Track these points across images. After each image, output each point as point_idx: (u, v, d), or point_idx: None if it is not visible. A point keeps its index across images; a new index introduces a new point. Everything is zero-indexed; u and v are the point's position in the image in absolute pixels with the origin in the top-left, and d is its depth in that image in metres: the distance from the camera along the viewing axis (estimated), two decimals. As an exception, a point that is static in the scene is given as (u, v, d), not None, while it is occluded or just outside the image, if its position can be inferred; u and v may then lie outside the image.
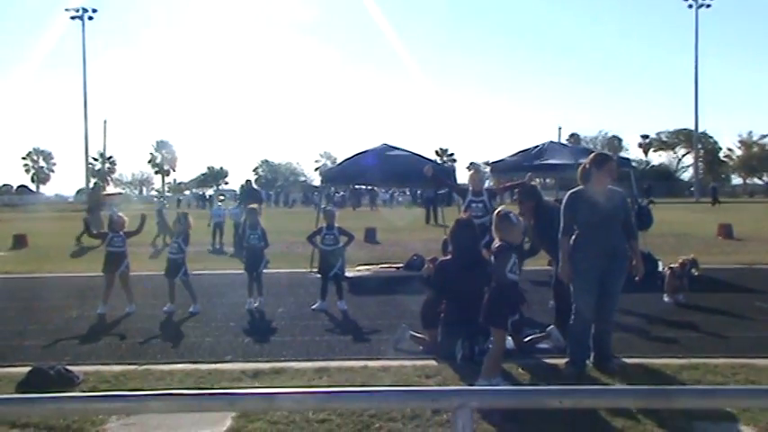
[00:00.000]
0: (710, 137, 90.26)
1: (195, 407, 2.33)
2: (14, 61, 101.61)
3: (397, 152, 14.35)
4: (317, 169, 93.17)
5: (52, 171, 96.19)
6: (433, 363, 6.71)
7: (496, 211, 6.41)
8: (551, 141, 15.01)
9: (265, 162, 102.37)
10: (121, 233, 9.87)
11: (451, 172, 17.85)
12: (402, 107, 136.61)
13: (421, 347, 7.23)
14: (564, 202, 6.61)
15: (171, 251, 9.98)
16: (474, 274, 6.79)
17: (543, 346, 7.17)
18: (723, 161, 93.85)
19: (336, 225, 10.19)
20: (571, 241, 6.42)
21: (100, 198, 23.47)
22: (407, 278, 12.16)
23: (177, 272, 9.80)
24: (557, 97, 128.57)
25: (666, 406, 2.30)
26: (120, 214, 10.28)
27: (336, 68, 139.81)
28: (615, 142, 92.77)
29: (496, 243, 6.17)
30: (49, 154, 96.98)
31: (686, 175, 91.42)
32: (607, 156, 6.84)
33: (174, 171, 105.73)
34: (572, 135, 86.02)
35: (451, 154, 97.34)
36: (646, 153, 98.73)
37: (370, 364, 6.74)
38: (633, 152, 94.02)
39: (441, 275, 7.17)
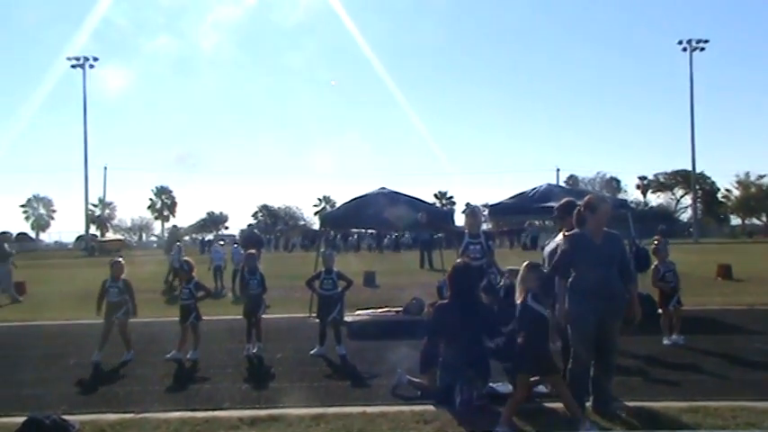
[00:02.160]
0: (708, 177, 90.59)
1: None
2: (14, 107, 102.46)
3: (394, 195, 14.42)
4: (316, 213, 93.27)
5: (52, 218, 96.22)
6: (432, 408, 6.66)
7: (526, 263, 6.44)
8: (549, 183, 15.10)
9: (264, 207, 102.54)
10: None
11: (450, 215, 17.91)
12: (401, 151, 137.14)
13: (419, 392, 7.18)
14: (561, 244, 6.65)
15: (183, 297, 9.97)
16: (472, 319, 6.79)
17: (542, 389, 7.11)
18: (721, 202, 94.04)
19: (335, 269, 10.20)
20: (568, 284, 6.44)
21: (179, 237, 23.91)
22: (406, 322, 12.11)
23: (189, 316, 9.78)
24: (555, 139, 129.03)
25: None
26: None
27: (335, 113, 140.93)
28: (613, 184, 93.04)
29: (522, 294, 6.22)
30: (49, 201, 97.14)
31: (684, 216, 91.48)
32: (601, 199, 6.90)
33: (173, 216, 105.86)
34: (570, 177, 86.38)
35: (450, 197, 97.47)
36: (644, 194, 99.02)
37: (368, 409, 6.69)
38: (631, 193, 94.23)
39: (439, 319, 7.15)
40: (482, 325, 6.94)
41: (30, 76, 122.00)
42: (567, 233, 6.66)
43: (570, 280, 6.44)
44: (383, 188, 14.76)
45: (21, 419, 6.26)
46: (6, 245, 21.01)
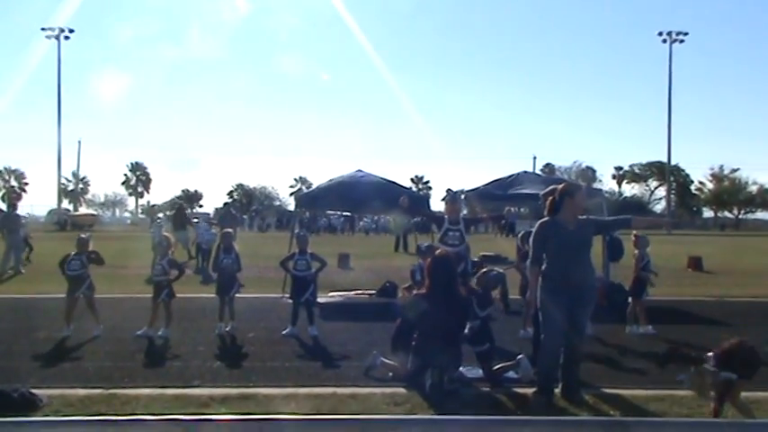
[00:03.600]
0: (683, 170, 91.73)
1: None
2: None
3: (370, 178, 14.41)
4: (292, 194, 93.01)
5: (24, 191, 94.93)
6: (403, 390, 6.70)
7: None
8: (525, 171, 15.19)
9: (240, 186, 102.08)
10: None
11: (426, 200, 17.97)
12: (378, 133, 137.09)
13: (391, 374, 7.22)
14: (534, 231, 6.69)
15: (155, 273, 9.87)
16: (449, 310, 6.82)
17: (512, 375, 7.19)
18: (695, 194, 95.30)
19: (309, 250, 10.18)
20: (540, 271, 6.49)
21: (185, 217, 23.80)
22: (380, 305, 12.16)
23: (161, 293, 9.70)
24: (532, 127, 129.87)
25: (628, 437, 2.33)
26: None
27: (312, 93, 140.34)
28: (589, 173, 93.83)
29: None
30: (21, 173, 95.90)
31: (658, 207, 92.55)
32: (577, 185, 6.96)
33: (147, 193, 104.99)
34: (546, 165, 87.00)
35: (427, 181, 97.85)
36: (619, 184, 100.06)
37: (339, 390, 6.72)
38: (607, 183, 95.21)
39: (416, 309, 7.15)
40: (459, 317, 6.98)
41: (5, 46, 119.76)
42: (540, 221, 6.70)
43: (543, 267, 6.48)
44: (359, 170, 14.74)
45: (-12, 392, 6.21)
46: None
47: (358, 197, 14.07)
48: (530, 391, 6.61)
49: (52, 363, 8.08)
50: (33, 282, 15.86)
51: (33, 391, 6.30)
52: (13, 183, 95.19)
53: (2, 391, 6.07)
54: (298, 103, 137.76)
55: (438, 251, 7.97)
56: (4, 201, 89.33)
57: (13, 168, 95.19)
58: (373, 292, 14.00)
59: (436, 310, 6.84)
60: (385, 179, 14.77)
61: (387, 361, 7.36)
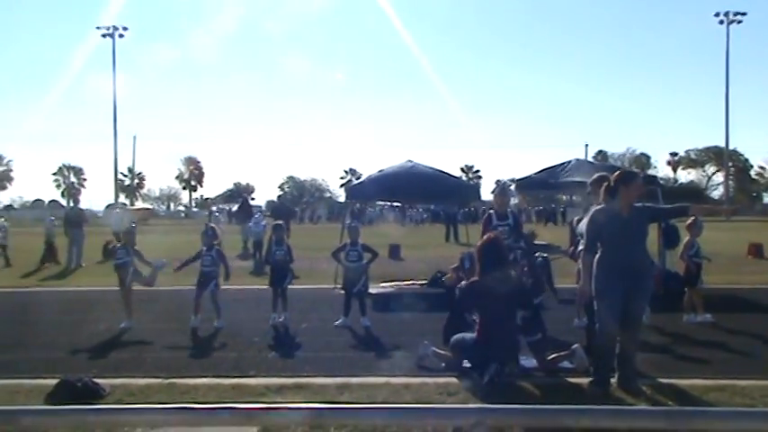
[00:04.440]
0: (741, 154, 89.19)
1: (216, 421, 2.37)
2: (45, 77, 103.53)
3: (420, 169, 14.40)
4: (342, 186, 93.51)
5: (83, 186, 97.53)
6: (455, 380, 6.70)
7: None
8: (578, 159, 14.96)
9: (291, 178, 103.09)
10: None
11: (476, 189, 17.88)
12: (427, 123, 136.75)
13: (443, 364, 7.21)
14: (588, 218, 6.59)
15: (204, 264, 10.06)
16: (503, 294, 6.72)
17: (567, 365, 7.11)
18: (754, 179, 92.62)
19: (361, 242, 10.23)
20: (595, 259, 6.40)
21: (250, 210, 24.49)
22: (431, 295, 12.17)
23: (208, 285, 9.89)
24: (584, 114, 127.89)
25: (688, 428, 2.29)
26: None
27: (361, 85, 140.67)
28: (643, 159, 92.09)
29: None
30: (80, 169, 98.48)
31: (716, 194, 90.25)
32: (633, 173, 6.83)
33: (201, 186, 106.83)
34: (599, 152, 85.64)
35: (477, 171, 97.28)
36: (675, 171, 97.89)
37: (392, 380, 6.74)
38: (662, 170, 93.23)
39: (469, 297, 7.09)
40: (515, 298, 6.89)
41: (62, 45, 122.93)
42: (595, 208, 6.60)
43: (597, 255, 6.39)
44: (409, 161, 14.73)
45: (54, 382, 6.42)
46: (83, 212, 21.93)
47: (408, 188, 14.07)
48: (585, 381, 6.54)
49: (113, 353, 8.32)
50: (93, 275, 16.31)
51: (96, 380, 6.49)
52: (73, 179, 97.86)
53: (67, 381, 6.27)
54: (348, 95, 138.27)
55: (487, 234, 7.85)
56: (64, 197, 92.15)
57: (72, 165, 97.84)
58: (424, 282, 14.01)
59: (490, 294, 6.71)
60: (435, 169, 14.75)
61: (439, 351, 7.35)
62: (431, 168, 14.64)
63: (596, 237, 6.41)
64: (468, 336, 6.93)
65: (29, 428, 4.81)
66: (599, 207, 6.52)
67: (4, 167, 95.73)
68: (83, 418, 2.43)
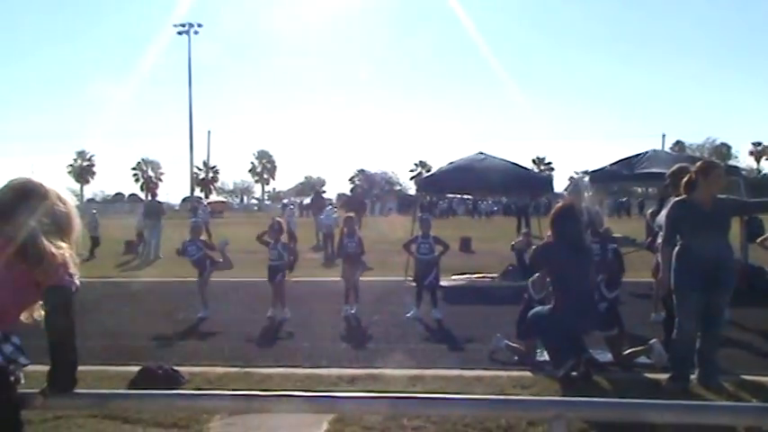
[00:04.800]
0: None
1: (299, 408, 2.41)
2: (123, 74, 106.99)
3: (492, 161, 14.29)
4: (412, 178, 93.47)
5: (160, 180, 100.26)
6: (529, 374, 6.63)
7: None
8: (654, 149, 14.57)
9: (361, 171, 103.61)
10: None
11: (548, 181, 17.61)
12: (498, 115, 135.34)
13: (516, 358, 7.15)
14: (668, 210, 6.41)
15: (272, 258, 10.22)
16: (581, 261, 6.42)
17: (644, 360, 6.95)
18: None
19: (432, 234, 10.22)
20: (675, 252, 6.22)
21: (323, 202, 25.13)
22: (503, 288, 12.06)
23: (275, 277, 10.05)
24: (661, 103, 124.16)
25: (776, 425, 2.22)
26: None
27: (431, 77, 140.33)
28: (724, 150, 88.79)
29: None
30: (157, 164, 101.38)
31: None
32: (714, 163, 6.60)
33: (273, 180, 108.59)
34: (677, 143, 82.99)
35: (549, 162, 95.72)
36: (758, 161, 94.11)
37: (465, 373, 6.73)
38: (744, 160, 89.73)
39: (541, 257, 6.75)
40: (589, 262, 6.57)
41: (138, 42, 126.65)
42: (675, 200, 6.41)
43: (677, 248, 6.22)
44: (480, 153, 14.64)
45: (135, 369, 6.65)
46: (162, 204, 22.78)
47: (479, 180, 13.99)
48: (663, 377, 6.37)
49: (191, 342, 8.57)
50: (171, 266, 16.78)
51: (176, 368, 6.69)
52: (151, 173, 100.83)
53: (148, 369, 6.49)
54: (418, 87, 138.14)
55: (561, 201, 7.55)
56: (142, 190, 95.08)
57: (150, 159, 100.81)
58: (496, 275, 13.91)
59: (567, 258, 6.37)
60: (506, 161, 14.61)
61: (511, 344, 7.29)
62: (502, 160, 14.51)
63: (676, 229, 6.23)
64: (546, 308, 6.67)
65: (116, 411, 5.06)
66: (679, 199, 6.33)
67: (87, 162, 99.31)
68: (170, 403, 2.51)
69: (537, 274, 7.06)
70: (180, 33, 68.24)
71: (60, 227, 2.80)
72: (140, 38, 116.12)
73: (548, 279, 6.70)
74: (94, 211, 23.66)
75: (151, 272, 16.94)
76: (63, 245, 2.76)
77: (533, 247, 7.44)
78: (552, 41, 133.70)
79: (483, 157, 14.35)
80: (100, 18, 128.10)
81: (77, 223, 2.89)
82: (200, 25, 68.84)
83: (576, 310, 6.29)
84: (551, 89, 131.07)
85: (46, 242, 2.67)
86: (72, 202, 2.92)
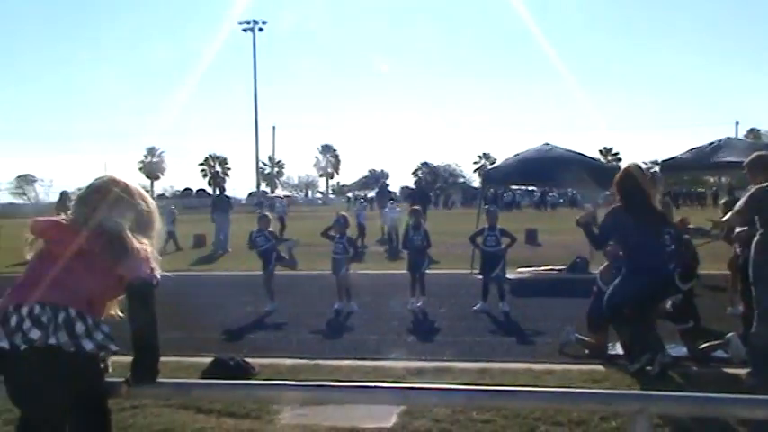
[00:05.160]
0: None
1: (371, 399, 2.42)
2: (191, 71, 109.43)
3: (558, 151, 14.07)
4: (476, 170, 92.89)
5: (227, 175, 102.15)
6: (600, 367, 6.50)
7: None
8: (729, 137, 14.11)
9: (425, 164, 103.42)
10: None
11: (614, 172, 17.21)
12: (562, 106, 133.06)
13: (587, 351, 7.03)
14: (748, 196, 6.15)
15: (336, 251, 10.25)
16: (646, 221, 6.18)
17: (721, 354, 6.73)
18: None
19: (499, 226, 10.13)
20: (754, 242, 5.99)
21: (387, 196, 25.52)
22: (571, 281, 11.86)
23: (340, 270, 10.10)
24: (733, 90, 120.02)
25: None
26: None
27: (494, 69, 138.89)
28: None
29: None
30: (224, 159, 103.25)
31: None
32: None
33: (337, 174, 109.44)
34: (751, 130, 79.99)
35: (616, 153, 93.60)
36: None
37: (534, 366, 6.64)
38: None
39: (612, 221, 6.41)
40: (659, 224, 6.32)
41: (205, 41, 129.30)
42: (756, 188, 6.15)
43: (756, 238, 5.98)
44: (546, 144, 14.43)
45: (208, 360, 6.78)
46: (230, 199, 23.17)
47: (546, 171, 13.79)
48: (741, 371, 6.16)
49: (259, 334, 8.71)
50: (239, 259, 17.08)
51: (247, 359, 6.80)
52: (218, 168, 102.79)
53: (220, 360, 6.61)
54: (481, 79, 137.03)
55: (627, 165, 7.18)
56: (210, 186, 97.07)
57: (217, 155, 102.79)
58: (563, 267, 13.70)
59: (633, 222, 6.12)
60: (573, 152, 14.36)
61: (582, 337, 7.16)
62: (569, 151, 14.27)
63: (755, 215, 5.98)
64: (615, 282, 6.39)
65: (191, 401, 5.19)
66: (761, 186, 6.08)
67: (157, 159, 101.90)
68: (249, 392, 2.55)
69: (608, 247, 6.89)
70: (245, 30, 69.74)
71: (143, 224, 2.94)
72: (206, 36, 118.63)
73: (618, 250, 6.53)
74: (173, 208, 24.18)
75: (220, 265, 17.28)
76: (145, 240, 2.88)
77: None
78: (617, 30, 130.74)
79: (549, 147, 14.15)
80: (168, 18, 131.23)
81: (159, 221, 3.02)
82: (264, 22, 70.16)
83: (648, 275, 6.10)
84: (616, 78, 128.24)
85: (130, 237, 2.79)
86: (152, 200, 3.04)
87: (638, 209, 6.25)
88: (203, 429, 5.05)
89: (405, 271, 10.69)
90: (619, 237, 6.50)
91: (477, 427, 4.98)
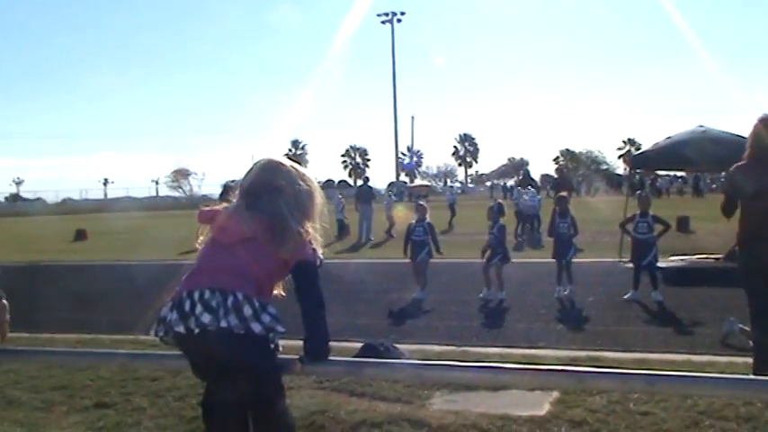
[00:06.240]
0: None
1: (544, 382, 2.41)
2: (331, 64, 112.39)
3: (714, 133, 13.27)
4: (620, 156, 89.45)
5: (367, 166, 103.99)
6: (769, 360, 6.11)
7: None
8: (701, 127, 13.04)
9: (566, 151, 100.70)
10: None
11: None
12: (709, 89, 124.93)
13: (752, 343, 6.61)
14: None
15: (490, 241, 10.09)
16: None
17: None
18: None
19: (651, 212, 9.73)
20: None
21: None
22: (728, 270, 11.17)
23: (493, 259, 9.94)
24: None
25: None
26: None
27: (636, 52, 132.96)
28: None
29: None
30: (364, 150, 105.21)
31: None
32: None
33: (476, 163, 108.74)
34: None
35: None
36: None
37: (694, 358, 6.35)
38: None
39: (736, 180, 5.58)
40: None
41: (342, 34, 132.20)
42: None
43: None
44: (701, 126, 13.65)
45: (358, 345, 6.96)
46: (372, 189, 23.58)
47: (699, 155, 13.03)
48: None
49: (407, 321, 8.84)
50: (382, 248, 17.45)
51: (396, 345, 6.93)
52: (358, 159, 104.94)
53: (371, 345, 6.76)
54: (622, 63, 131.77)
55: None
56: (351, 176, 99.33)
57: (357, 146, 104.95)
58: (720, 256, 12.93)
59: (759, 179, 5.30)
60: (730, 133, 13.49)
61: (746, 328, 6.74)
62: (725, 132, 13.42)
63: None
64: None
65: (343, 384, 5.38)
66: None
67: (301, 151, 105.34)
68: (418, 373, 2.61)
69: None
70: (383, 23, 70.76)
71: (303, 205, 2.98)
72: (346, 28, 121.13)
73: None
74: (340, 196, 24.52)
75: (363, 254, 17.66)
76: (307, 222, 2.95)
77: None
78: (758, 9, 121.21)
79: (704, 129, 13.37)
80: (308, 12, 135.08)
81: (319, 201, 3.06)
82: (402, 13, 70.93)
83: None
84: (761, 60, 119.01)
85: (292, 221, 2.86)
86: (315, 180, 3.09)
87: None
88: (356, 412, 5.18)
89: (550, 259, 10.48)
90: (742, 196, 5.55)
91: (634, 418, 4.82)
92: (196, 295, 2.77)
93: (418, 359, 6.52)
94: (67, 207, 69.80)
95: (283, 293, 3.04)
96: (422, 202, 11.62)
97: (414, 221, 10.63)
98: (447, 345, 7.30)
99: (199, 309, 2.74)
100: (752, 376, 2.64)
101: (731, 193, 5.65)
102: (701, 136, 13.12)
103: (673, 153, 13.36)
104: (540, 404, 5.14)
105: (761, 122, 5.50)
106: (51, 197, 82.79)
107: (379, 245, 19.21)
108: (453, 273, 12.22)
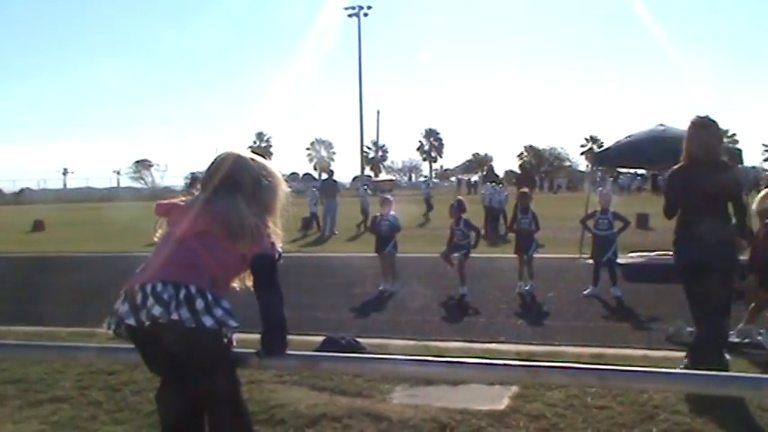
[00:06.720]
0: None
1: (500, 377, 2.41)
2: (297, 57, 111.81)
3: (674, 131, 13.47)
4: (582, 153, 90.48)
5: (332, 159, 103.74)
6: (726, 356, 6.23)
7: None
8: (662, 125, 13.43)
9: (530, 147, 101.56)
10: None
11: (738, 154, 16.38)
12: (670, 88, 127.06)
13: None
14: None
15: (458, 237, 10.10)
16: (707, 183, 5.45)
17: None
18: None
19: (611, 209, 9.85)
20: None
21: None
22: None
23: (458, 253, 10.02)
24: None
25: None
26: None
27: (599, 50, 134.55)
28: None
29: None
30: (330, 144, 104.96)
31: None
32: None
33: (440, 158, 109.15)
34: None
35: (733, 134, 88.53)
36: None
37: (650, 353, 6.44)
38: None
39: (675, 179, 5.76)
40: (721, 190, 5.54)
41: (311, 27, 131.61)
42: None
43: None
44: (661, 125, 13.85)
45: (319, 339, 6.93)
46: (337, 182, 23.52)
47: (659, 153, 13.22)
48: None
49: (368, 315, 8.83)
50: (347, 242, 17.41)
51: (357, 339, 6.91)
52: (323, 153, 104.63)
53: (333, 339, 6.75)
54: (586, 61, 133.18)
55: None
56: (316, 170, 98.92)
57: (323, 140, 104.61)
58: (677, 252, 13.15)
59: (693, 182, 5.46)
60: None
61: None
62: (686, 131, 13.62)
63: None
64: None
65: (305, 378, 5.35)
66: None
67: (265, 144, 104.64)
68: (374, 367, 2.59)
69: None
70: (350, 16, 70.52)
71: (263, 198, 2.95)
72: (311, 21, 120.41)
73: None
74: (314, 189, 24.27)
75: (327, 247, 17.61)
76: (267, 217, 2.92)
77: None
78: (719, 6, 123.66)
79: (664, 128, 13.57)
80: (274, 5, 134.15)
81: (282, 195, 3.02)
82: (369, 7, 70.68)
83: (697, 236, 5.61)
84: (732, 55, 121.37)
85: (250, 217, 2.82)
86: (278, 174, 3.04)
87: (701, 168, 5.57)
88: (316, 406, 5.15)
89: (512, 255, 10.55)
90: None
91: (591, 413, 4.87)
92: (148, 288, 2.74)
93: (379, 353, 6.59)
94: (25, 197, 68.50)
95: (242, 286, 3.01)
96: (388, 196, 11.62)
97: (379, 215, 10.66)
98: (409, 339, 7.29)
99: (150, 301, 2.71)
100: (701, 372, 2.68)
101: (669, 194, 5.89)
102: (661, 134, 13.32)
103: (633, 151, 13.55)
104: (500, 398, 5.17)
105: (693, 125, 5.66)
106: (8, 187, 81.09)
107: (354, 239, 19.16)
108: (417, 267, 12.23)
